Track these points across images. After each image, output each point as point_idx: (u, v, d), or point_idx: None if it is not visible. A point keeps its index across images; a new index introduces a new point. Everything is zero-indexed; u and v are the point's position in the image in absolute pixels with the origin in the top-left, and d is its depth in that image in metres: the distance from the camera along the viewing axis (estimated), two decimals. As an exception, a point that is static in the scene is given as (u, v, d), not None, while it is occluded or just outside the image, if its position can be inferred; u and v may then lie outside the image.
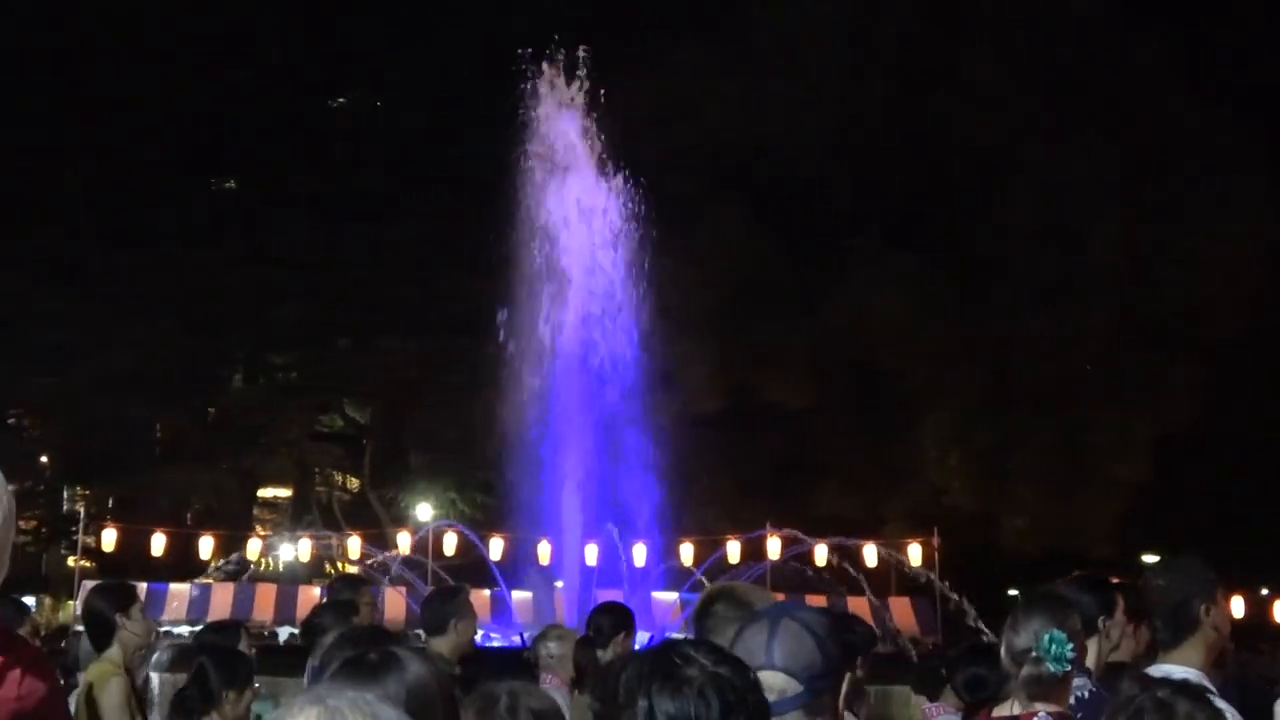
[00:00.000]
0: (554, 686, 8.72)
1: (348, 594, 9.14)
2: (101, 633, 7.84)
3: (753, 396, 43.27)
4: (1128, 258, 41.89)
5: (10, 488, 3.38)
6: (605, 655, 9.02)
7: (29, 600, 38.79)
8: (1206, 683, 5.48)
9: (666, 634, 24.57)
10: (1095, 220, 41.60)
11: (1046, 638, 4.98)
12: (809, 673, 3.88)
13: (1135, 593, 6.28)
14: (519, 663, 8.95)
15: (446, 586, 10.87)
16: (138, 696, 8.01)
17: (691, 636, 4.56)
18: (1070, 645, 5.02)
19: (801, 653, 3.91)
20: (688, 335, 40.69)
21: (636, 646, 9.49)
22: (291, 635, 31.09)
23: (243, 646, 8.44)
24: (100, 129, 44.94)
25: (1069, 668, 5.00)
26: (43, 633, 25.67)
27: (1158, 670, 5.59)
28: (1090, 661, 5.93)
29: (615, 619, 9.46)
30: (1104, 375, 41.75)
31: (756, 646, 3.92)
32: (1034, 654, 5.05)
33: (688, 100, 43.71)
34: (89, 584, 28.35)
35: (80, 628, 10.42)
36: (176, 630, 25.33)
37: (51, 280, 43.61)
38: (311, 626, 8.13)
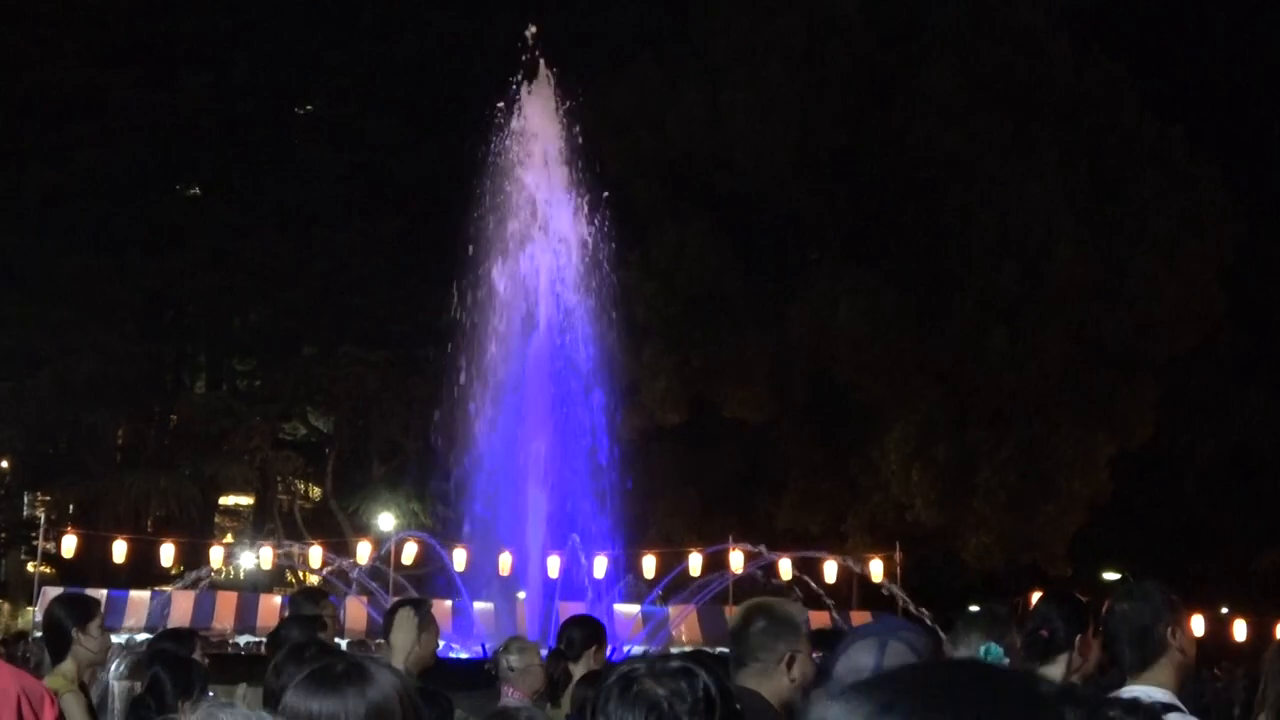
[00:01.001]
0: (516, 699, 8.69)
1: (309, 607, 9.10)
2: (58, 644, 7.78)
3: (715, 409, 43.24)
4: (1086, 274, 42.02)
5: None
6: (577, 668, 9.00)
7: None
8: (1178, 703, 5.49)
9: (626, 648, 24.58)
10: (1053, 237, 41.71)
11: (983, 650, 5.00)
12: None
13: (1099, 611, 6.28)
14: (481, 675, 8.91)
15: (407, 598, 10.81)
16: (92, 711, 7.94)
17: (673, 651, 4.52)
18: (1007, 660, 5.06)
19: None
20: (649, 347, 40.72)
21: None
22: (251, 643, 31.00)
23: (197, 655, 8.40)
24: (61, 133, 44.70)
25: None
26: (1, 637, 25.53)
27: (1128, 693, 5.59)
28: (1056, 675, 5.94)
29: (587, 632, 9.43)
30: (1062, 392, 41.86)
31: (864, 665, 3.92)
32: None
33: (648, 112, 43.79)
34: (49, 590, 28.28)
35: (40, 634, 10.37)
36: (138, 638, 25.18)
37: (10, 284, 43.34)
38: (278, 639, 8.08)
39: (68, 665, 7.62)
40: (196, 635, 9.59)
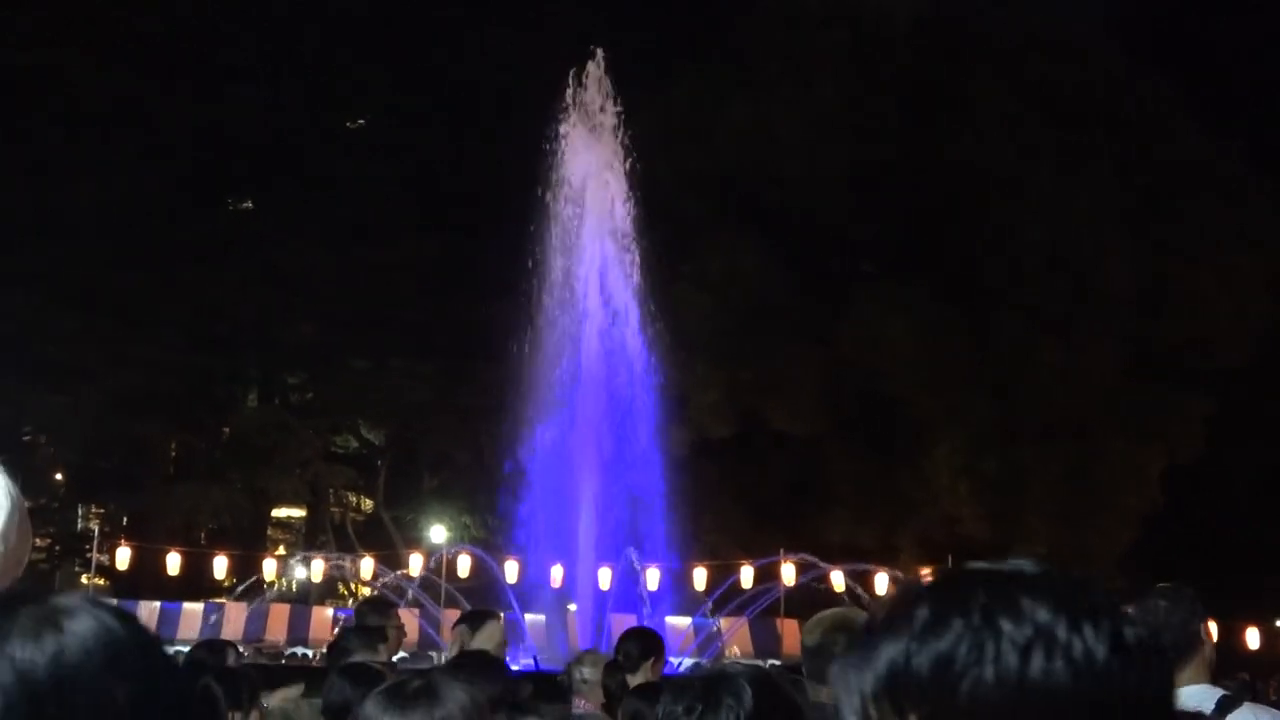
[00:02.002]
0: (588, 711, 8.71)
1: (374, 618, 9.12)
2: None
3: (763, 423, 43.19)
4: (1136, 288, 41.86)
5: (26, 503, 3.36)
6: (634, 680, 8.99)
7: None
8: (1228, 694, 5.52)
9: (677, 660, 24.57)
10: (1104, 251, 41.55)
11: None
12: None
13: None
14: (552, 687, 8.96)
15: (476, 610, 10.81)
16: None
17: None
18: None
19: None
20: (700, 361, 40.70)
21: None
22: (302, 655, 31.11)
23: (230, 663, 8.43)
24: (111, 148, 44.87)
25: None
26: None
27: (1179, 695, 5.58)
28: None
29: (644, 644, 9.43)
30: (1112, 406, 41.67)
31: None
32: None
33: (697, 126, 43.76)
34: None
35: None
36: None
37: (62, 299, 43.54)
38: (337, 650, 8.10)
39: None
40: (230, 645, 9.63)
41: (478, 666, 6.28)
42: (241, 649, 12.81)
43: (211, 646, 9.71)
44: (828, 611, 6.03)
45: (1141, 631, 1.55)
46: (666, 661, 9.75)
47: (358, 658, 7.41)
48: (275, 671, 18.44)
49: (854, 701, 1.53)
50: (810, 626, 5.78)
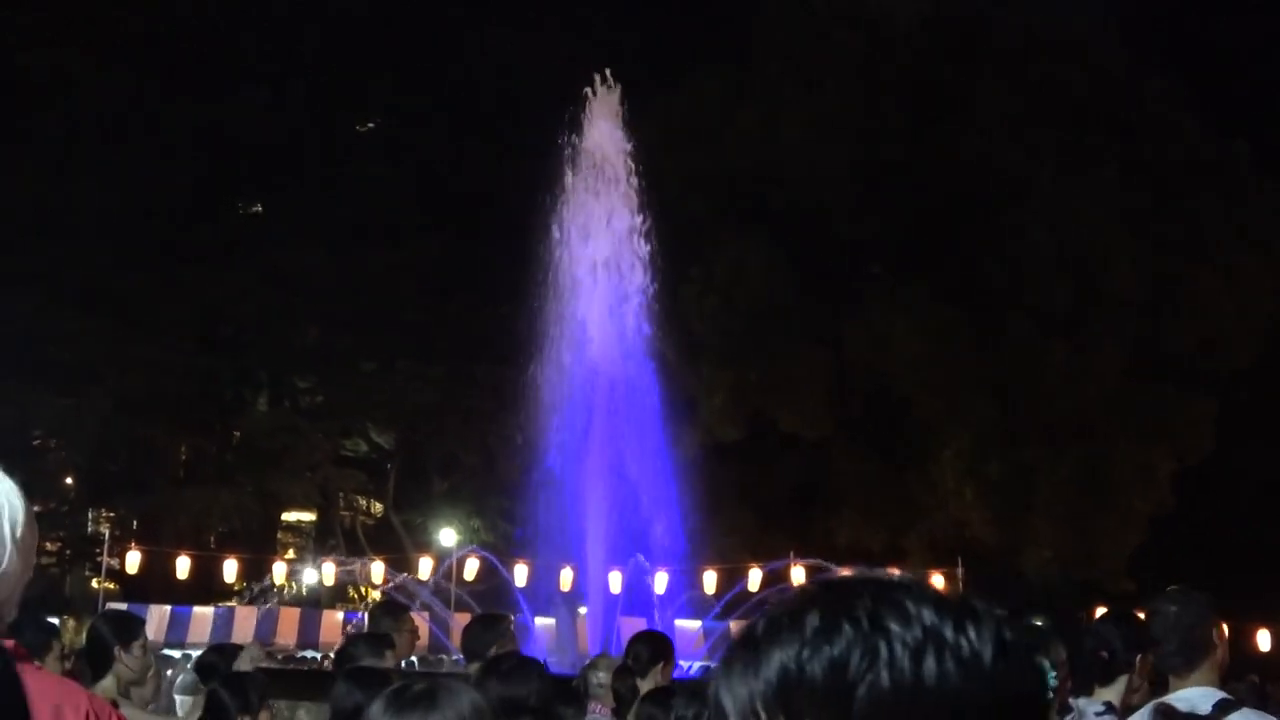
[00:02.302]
0: (602, 715, 8.72)
1: (388, 623, 9.14)
2: (99, 661, 7.83)
3: (771, 426, 43.19)
4: (1142, 289, 41.83)
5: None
6: (644, 684, 9.00)
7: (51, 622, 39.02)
8: (1228, 698, 5.49)
9: (687, 664, 24.55)
10: (1109, 252, 41.53)
11: None
12: None
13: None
14: (567, 691, 8.96)
15: (488, 614, 10.83)
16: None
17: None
18: (1053, 674, 5.03)
19: None
20: (707, 363, 40.71)
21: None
22: (311, 658, 31.14)
23: (246, 667, 8.46)
24: (116, 150, 44.93)
25: (1050, 695, 4.99)
26: (66, 653, 25.70)
27: (1179, 698, 5.58)
28: (1115, 696, 5.94)
29: (654, 648, 9.46)
30: (1120, 407, 41.63)
31: None
32: None
33: (705, 128, 43.78)
34: (114, 606, 28.46)
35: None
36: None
37: (67, 301, 43.60)
38: (344, 656, 8.12)
39: (108, 683, 7.67)
40: (239, 649, 9.65)
41: (513, 667, 6.31)
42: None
43: (220, 650, 9.73)
44: None
45: (1017, 632, 1.56)
46: (676, 665, 9.77)
47: (366, 664, 7.43)
48: (285, 675, 18.47)
49: (741, 709, 1.53)
50: None
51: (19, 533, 3.32)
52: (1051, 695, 5.03)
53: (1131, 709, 6.02)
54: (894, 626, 1.50)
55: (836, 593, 1.55)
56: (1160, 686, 6.01)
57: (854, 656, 1.48)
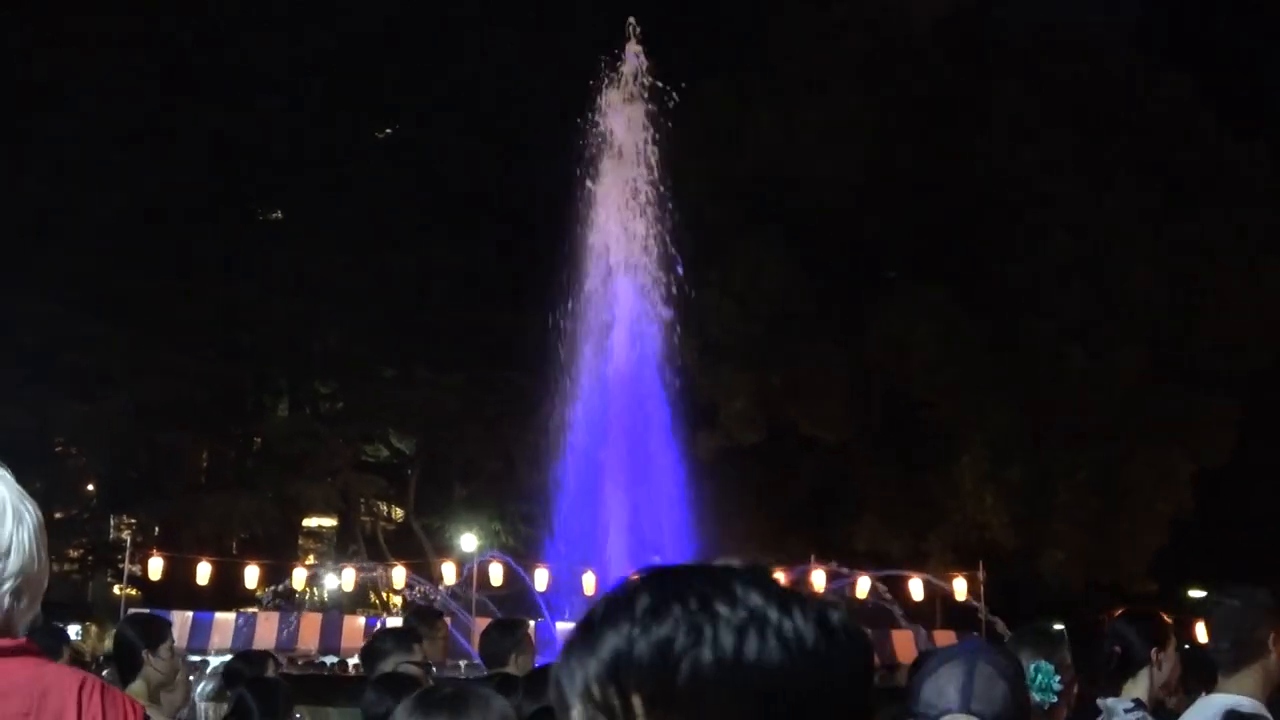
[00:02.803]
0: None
1: (423, 629, 9.12)
2: (128, 664, 7.82)
3: (791, 430, 43.16)
4: (1161, 292, 41.74)
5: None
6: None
7: (73, 628, 39.08)
8: (1266, 714, 5.44)
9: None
10: (1127, 254, 41.46)
11: (1033, 668, 4.97)
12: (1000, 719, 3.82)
13: (1180, 627, 6.25)
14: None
15: (506, 619, 10.86)
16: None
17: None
18: (1058, 677, 5.01)
19: (995, 697, 3.85)
20: (726, 367, 40.70)
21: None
22: (333, 664, 31.15)
23: (270, 673, 8.47)
24: (136, 157, 45.02)
25: (1055, 699, 5.00)
26: (87, 659, 25.72)
27: (1216, 700, 5.55)
28: (1143, 693, 5.92)
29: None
30: (1139, 410, 41.54)
31: (950, 689, 3.88)
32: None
33: (722, 134, 43.77)
34: (135, 612, 28.52)
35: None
36: (222, 659, 25.34)
37: (87, 307, 43.71)
38: (371, 651, 8.12)
39: (137, 686, 7.66)
40: (270, 656, 9.65)
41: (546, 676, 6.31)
42: (279, 659, 12.94)
43: (248, 658, 9.75)
44: None
45: (844, 615, 1.64)
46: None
47: (393, 659, 7.44)
48: (307, 680, 18.50)
49: (578, 688, 1.60)
50: None
51: (41, 539, 3.37)
52: (1056, 699, 5.02)
53: (1172, 712, 6.00)
54: (720, 608, 1.57)
55: (669, 578, 1.62)
56: (1207, 685, 5.99)
57: (679, 635, 1.55)
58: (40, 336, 42.69)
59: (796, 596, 1.62)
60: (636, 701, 1.57)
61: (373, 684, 6.52)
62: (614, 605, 1.62)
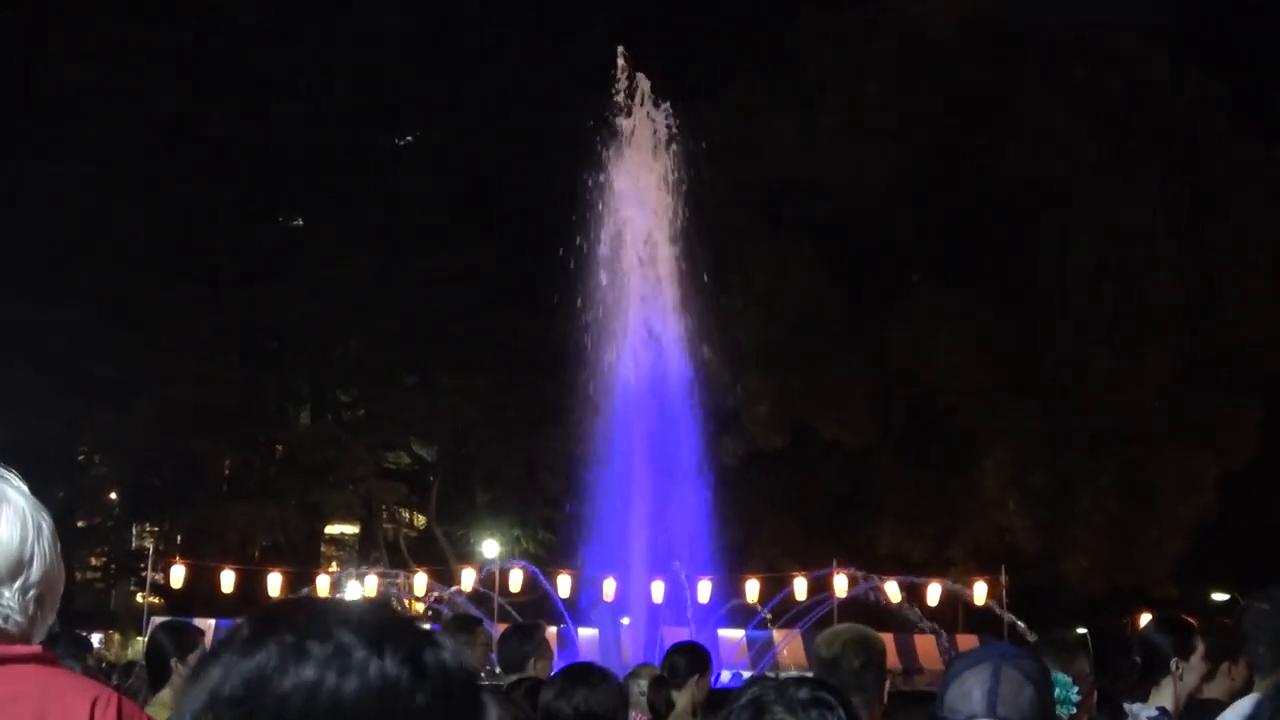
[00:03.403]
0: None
1: (462, 637, 9.10)
2: (158, 672, 7.83)
3: (814, 434, 43.10)
4: (1186, 295, 41.62)
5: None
6: (680, 695, 8.96)
7: (96, 637, 39.13)
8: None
9: (727, 674, 24.50)
10: (1152, 256, 41.35)
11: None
12: None
13: (1219, 633, 6.22)
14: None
15: (524, 624, 10.85)
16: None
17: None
18: (1075, 689, 4.98)
19: (1021, 703, 3.81)
20: (750, 371, 40.64)
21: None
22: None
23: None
24: (159, 164, 45.11)
25: (1074, 709, 4.95)
26: (105, 665, 25.76)
27: (1241, 705, 5.53)
28: (1168, 700, 5.91)
29: (691, 659, 9.40)
30: (1164, 413, 41.42)
31: (976, 693, 3.83)
32: None
33: (744, 136, 43.69)
34: (158, 620, 28.56)
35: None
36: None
37: (110, 315, 43.81)
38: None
39: (166, 694, 7.67)
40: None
41: (581, 675, 6.32)
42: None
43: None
44: (844, 626, 6.10)
45: (448, 658, 1.71)
46: (718, 674, 9.74)
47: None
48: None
49: (191, 717, 1.69)
50: (828, 638, 5.84)
51: (56, 547, 3.41)
52: (1075, 709, 4.99)
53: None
54: (311, 645, 1.65)
55: (274, 615, 1.72)
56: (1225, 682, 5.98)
57: (268, 668, 1.64)
58: (65, 345, 42.79)
59: (395, 636, 1.69)
60: None
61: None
62: (226, 639, 1.71)
